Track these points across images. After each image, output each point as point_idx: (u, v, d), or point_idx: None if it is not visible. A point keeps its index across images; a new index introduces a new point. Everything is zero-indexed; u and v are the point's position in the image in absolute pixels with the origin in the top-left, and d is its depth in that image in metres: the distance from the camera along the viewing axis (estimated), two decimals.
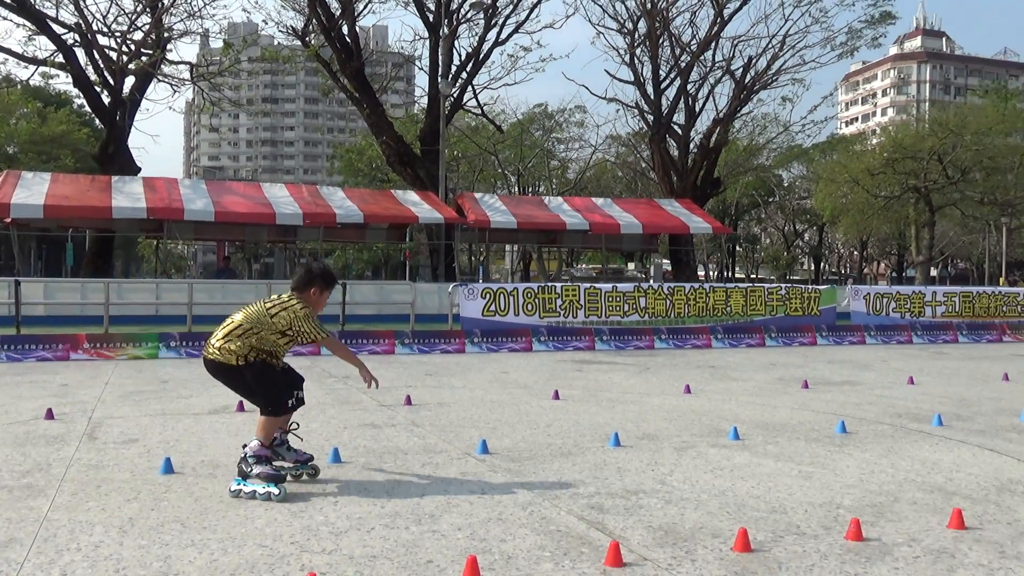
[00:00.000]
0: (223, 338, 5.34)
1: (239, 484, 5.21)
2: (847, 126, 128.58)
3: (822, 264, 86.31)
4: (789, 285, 19.73)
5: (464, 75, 29.60)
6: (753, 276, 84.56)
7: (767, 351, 16.42)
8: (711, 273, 74.13)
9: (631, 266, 58.59)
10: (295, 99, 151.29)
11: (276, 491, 5.12)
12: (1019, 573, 3.98)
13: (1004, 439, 7.23)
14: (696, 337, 17.19)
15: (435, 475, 5.75)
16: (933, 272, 72.80)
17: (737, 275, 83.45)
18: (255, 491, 5.16)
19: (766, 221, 79.86)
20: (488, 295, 16.67)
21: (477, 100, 30.94)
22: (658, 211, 28.43)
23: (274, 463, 5.46)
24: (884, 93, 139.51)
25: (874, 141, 64.35)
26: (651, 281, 29.81)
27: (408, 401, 8.86)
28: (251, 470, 5.27)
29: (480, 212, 26.17)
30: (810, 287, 19.95)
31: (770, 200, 73.32)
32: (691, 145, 33.24)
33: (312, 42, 27.96)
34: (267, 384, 5.36)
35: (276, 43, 32.72)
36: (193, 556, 4.13)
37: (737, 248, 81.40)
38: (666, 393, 9.94)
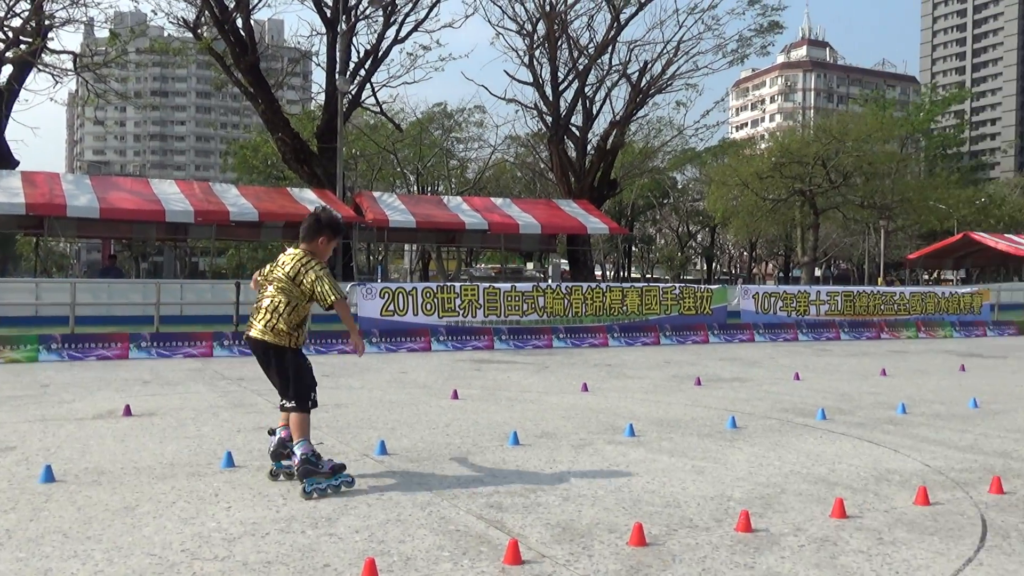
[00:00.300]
0: (270, 318, 5.34)
1: (313, 485, 5.15)
2: (738, 131, 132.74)
3: (714, 264, 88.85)
4: (683, 285, 20.22)
5: (362, 72, 29.26)
6: (648, 276, 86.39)
7: (662, 349, 16.78)
8: (608, 273, 75.36)
9: (530, 266, 59.04)
10: (186, 93, 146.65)
11: (348, 479, 5.28)
12: (895, 558, 4.19)
13: (882, 431, 7.58)
14: (593, 336, 17.44)
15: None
16: (817, 272, 75.92)
17: (633, 275, 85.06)
18: (328, 486, 5.19)
19: (661, 222, 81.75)
20: (387, 295, 16.53)
21: (376, 98, 30.63)
22: (556, 211, 28.72)
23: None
24: (772, 100, 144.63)
25: (763, 146, 66.65)
26: (549, 281, 30.11)
27: None
28: (321, 467, 5.24)
29: (378, 211, 25.93)
30: (702, 287, 20.50)
31: (665, 202, 75.10)
32: (588, 147, 33.72)
33: (204, 35, 27.16)
34: (303, 374, 5.36)
35: (166, 34, 31.65)
36: (76, 568, 3.95)
37: (633, 248, 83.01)
38: (564, 391, 10.05)
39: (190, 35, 27.67)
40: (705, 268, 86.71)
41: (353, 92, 28.87)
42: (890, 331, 21.23)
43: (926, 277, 76.96)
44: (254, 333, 5.42)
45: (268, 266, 5.58)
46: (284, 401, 5.38)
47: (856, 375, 12.33)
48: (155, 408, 8.50)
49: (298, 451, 5.27)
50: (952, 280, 74.61)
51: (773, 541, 4.40)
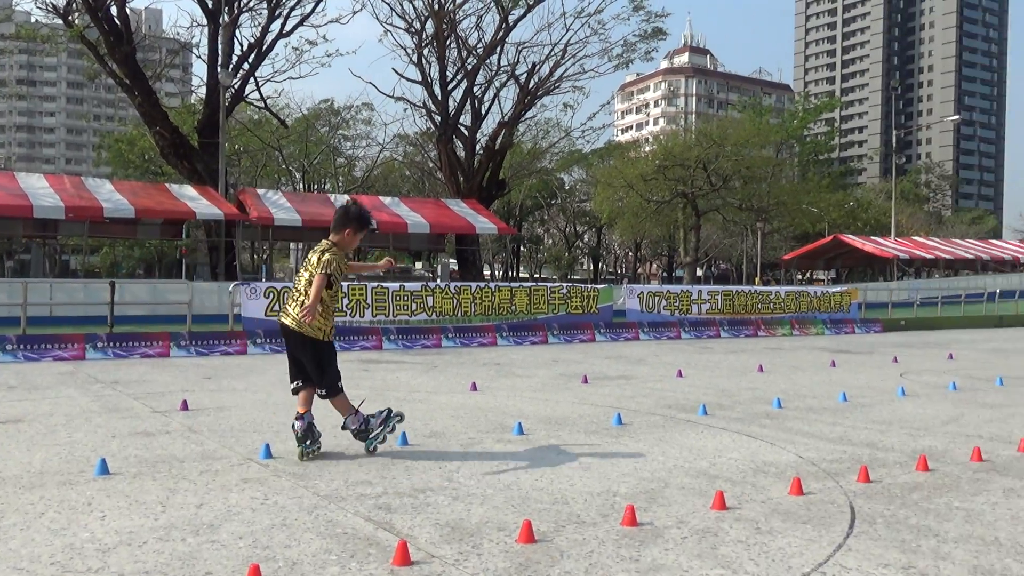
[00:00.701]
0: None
1: (371, 444, 6.20)
2: (623, 133, 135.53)
3: (600, 264, 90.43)
4: (570, 284, 20.50)
5: (246, 66, 28.51)
6: (536, 275, 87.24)
7: (550, 348, 16.97)
8: (496, 272, 75.77)
9: (418, 265, 58.76)
10: (56, 82, 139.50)
11: (398, 416, 6.30)
12: (771, 546, 4.36)
13: (759, 425, 7.88)
14: (482, 335, 17.48)
15: (214, 483, 5.49)
16: (699, 272, 78.28)
17: (521, 274, 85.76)
18: (382, 434, 6.22)
19: (549, 222, 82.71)
20: (272, 294, 16.15)
21: (260, 92, 29.91)
22: (445, 211, 28.69)
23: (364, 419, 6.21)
24: (656, 104, 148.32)
25: (647, 149, 68.29)
26: (438, 280, 30.02)
27: (184, 406, 8.41)
28: (373, 430, 6.18)
29: (263, 209, 25.32)
30: (589, 286, 20.84)
31: (552, 202, 76.00)
32: (477, 147, 33.81)
33: (76, 22, 25.93)
34: (334, 364, 6.02)
35: (34, 20, 30.05)
36: None
37: (521, 248, 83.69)
38: (453, 391, 10.05)
39: (60, 22, 26.36)
40: (592, 268, 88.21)
41: (236, 86, 28.10)
42: (767, 329, 22.08)
43: (799, 277, 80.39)
44: (288, 320, 5.97)
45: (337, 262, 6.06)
46: (320, 390, 6.07)
47: (735, 371, 12.77)
48: (22, 414, 8.05)
49: (352, 426, 6.19)
50: (824, 280, 78.11)
51: (657, 534, 4.51)
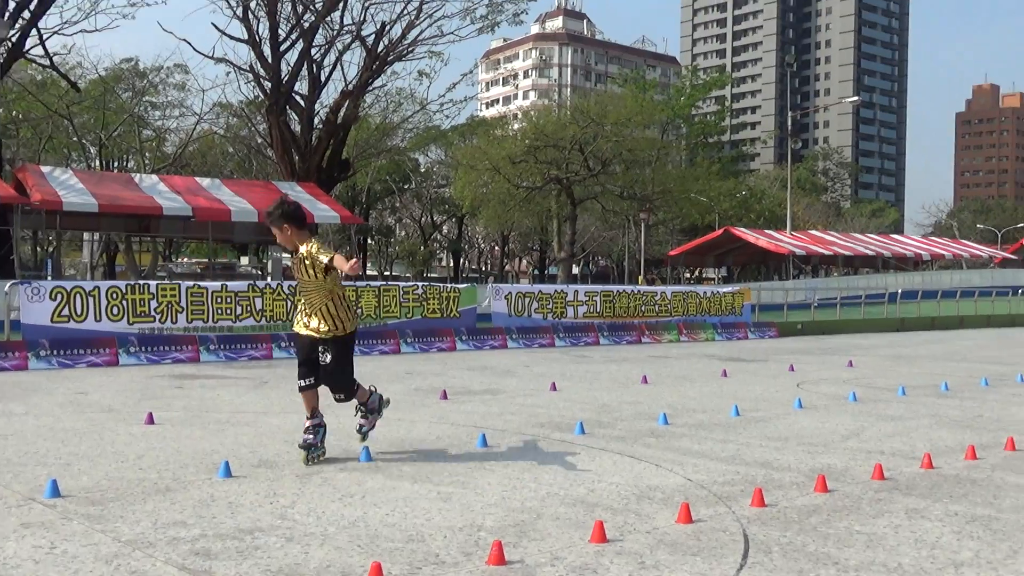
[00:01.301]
0: (334, 315, 7.03)
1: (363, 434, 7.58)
2: (488, 108, 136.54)
3: (462, 260, 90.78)
4: (426, 284, 20.48)
5: (26, 15, 27.13)
6: (387, 273, 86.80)
7: (403, 358, 16.91)
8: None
9: (245, 260, 57.42)
10: None
11: (384, 400, 7.70)
12: None
13: (643, 444, 8.09)
14: None
15: None
16: (575, 270, 79.60)
17: (369, 272, 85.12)
18: (374, 418, 7.60)
19: (401, 211, 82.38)
20: (60, 296, 15.43)
21: (44, 48, 28.53)
22: (277, 196, 28.15)
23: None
24: (526, 74, 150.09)
25: (516, 126, 68.98)
26: (269, 279, 29.44)
27: None
28: (367, 420, 7.55)
29: (49, 191, 24.17)
30: (449, 286, 20.88)
31: (406, 187, 75.73)
32: (316, 120, 33.33)
33: None
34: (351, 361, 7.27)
35: None
36: None
37: (369, 241, 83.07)
38: (288, 411, 9.88)
39: None
40: (452, 264, 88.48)
41: (13, 39, 26.69)
42: (651, 334, 22.70)
43: (687, 276, 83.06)
44: (324, 327, 7.09)
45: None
46: (339, 394, 7.30)
47: (616, 383, 13.07)
48: None
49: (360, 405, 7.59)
50: (714, 279, 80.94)
51: (529, 573, 4.55)
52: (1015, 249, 79.53)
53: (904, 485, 6.62)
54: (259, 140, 42.85)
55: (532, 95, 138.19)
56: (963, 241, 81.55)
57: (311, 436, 7.12)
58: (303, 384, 7.12)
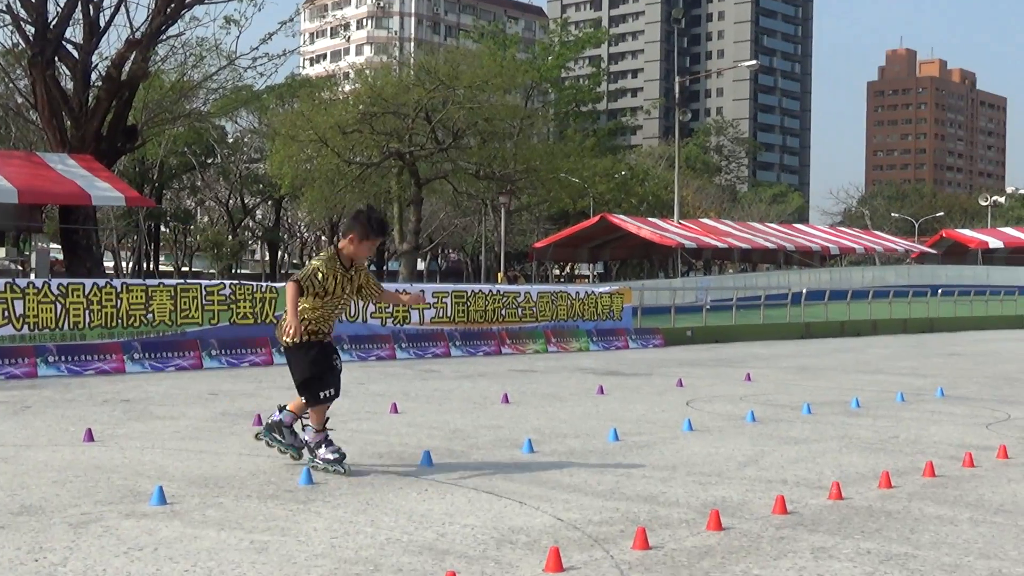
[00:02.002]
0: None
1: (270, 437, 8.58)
2: (313, 65, 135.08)
3: (281, 253, 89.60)
4: (236, 283, 20.13)
5: None
6: (186, 269, 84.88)
7: (206, 375, 16.59)
8: (125, 265, 72.84)
9: (1, 252, 55.19)
10: None
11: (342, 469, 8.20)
12: None
13: (504, 477, 8.15)
14: (102, 357, 16.81)
15: None
16: (421, 265, 79.64)
17: (163, 267, 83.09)
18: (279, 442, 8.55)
19: (204, 191, 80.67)
20: None
21: None
22: (43, 171, 27.30)
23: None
24: (360, 24, 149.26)
25: (347, 88, 68.50)
26: (32, 276, 28.39)
27: None
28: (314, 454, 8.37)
29: None
30: (264, 285, 20.58)
31: (209, 162, 74.24)
32: (94, 76, 32.31)
33: None
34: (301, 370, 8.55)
35: None
36: None
37: (163, 229, 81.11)
38: (57, 442, 9.58)
39: None
40: (268, 259, 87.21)
41: None
42: (513, 344, 22.89)
43: (557, 272, 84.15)
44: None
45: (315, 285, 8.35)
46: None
47: (471, 403, 13.12)
48: None
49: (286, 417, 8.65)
50: (588, 276, 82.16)
51: None
52: (934, 242, 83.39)
53: (810, 520, 6.86)
54: (19, 100, 41.30)
55: (367, 50, 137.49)
56: (876, 232, 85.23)
57: (334, 447, 8.36)
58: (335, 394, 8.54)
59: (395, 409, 12.18)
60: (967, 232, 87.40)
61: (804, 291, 35.88)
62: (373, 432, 10.51)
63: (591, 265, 76.92)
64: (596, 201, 72.10)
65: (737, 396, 14.35)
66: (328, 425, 8.50)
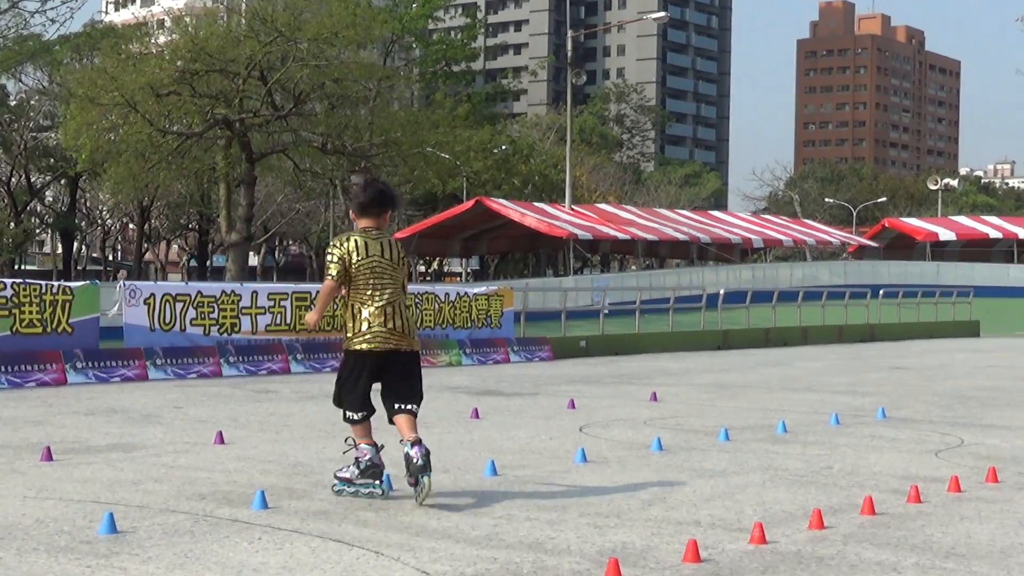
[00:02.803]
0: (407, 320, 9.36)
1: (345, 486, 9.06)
2: (118, 10, 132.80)
3: (77, 244, 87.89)
4: (19, 281, 19.72)
5: None
6: None
7: None
8: None
9: None
10: None
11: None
12: None
13: (357, 522, 8.11)
14: None
15: None
16: (254, 259, 78.88)
17: None
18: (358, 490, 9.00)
19: None
20: None
21: None
22: None
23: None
24: None
25: (162, 40, 67.40)
26: None
27: None
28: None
29: None
30: (56, 284, 20.18)
31: None
32: None
33: None
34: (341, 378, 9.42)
35: None
36: None
37: None
38: None
39: None
40: (61, 251, 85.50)
41: None
42: None
43: (422, 269, 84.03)
44: (406, 345, 9.35)
45: (345, 264, 8.99)
46: (411, 405, 9.24)
47: (316, 431, 13.05)
48: None
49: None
50: (460, 274, 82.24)
51: None
52: (875, 233, 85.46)
53: (727, 568, 6.94)
54: None
55: None
56: (807, 221, 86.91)
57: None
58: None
59: (221, 439, 12.04)
60: (914, 222, 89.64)
61: (721, 292, 36.32)
62: (193, 468, 10.37)
63: (464, 260, 77.03)
64: (470, 182, 72.17)
65: (641, 420, 14.50)
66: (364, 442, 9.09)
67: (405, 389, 9.25)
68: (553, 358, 26.14)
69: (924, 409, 16.44)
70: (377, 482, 8.98)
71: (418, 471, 8.65)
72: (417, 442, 8.75)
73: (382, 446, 9.13)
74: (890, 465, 11.04)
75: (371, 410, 9.18)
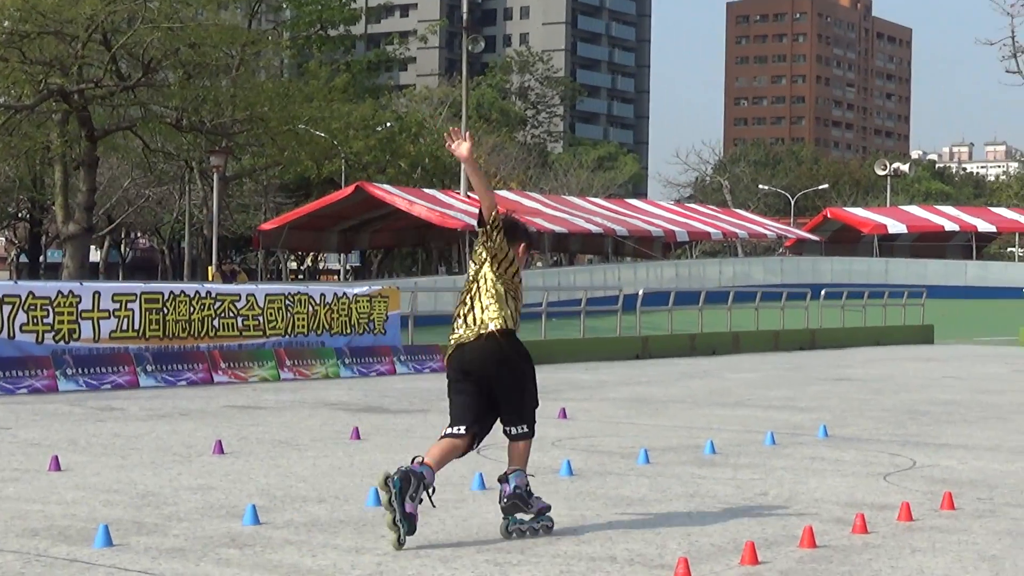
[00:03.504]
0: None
1: (515, 524, 9.02)
2: None
3: None
4: None
5: None
6: None
7: None
8: None
9: None
10: None
11: (549, 522, 9.16)
12: None
13: (216, 560, 8.06)
14: None
15: None
16: (95, 254, 78.01)
17: None
18: (529, 528, 9.04)
19: None
20: None
21: None
22: None
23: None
24: None
25: None
26: None
27: None
28: (531, 505, 9.10)
29: None
30: None
31: None
32: None
33: None
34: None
35: None
36: None
37: None
38: None
39: None
40: None
41: None
42: (231, 369, 22.64)
43: (294, 266, 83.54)
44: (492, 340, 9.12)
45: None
46: (514, 428, 9.26)
47: (170, 455, 12.95)
48: None
49: (513, 481, 9.01)
50: (339, 272, 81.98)
51: None
52: (816, 224, 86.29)
53: None
54: None
55: None
56: (739, 212, 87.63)
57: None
58: None
59: (56, 465, 11.91)
60: (860, 212, 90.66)
61: (641, 293, 36.45)
62: (24, 499, 10.25)
63: (343, 256, 76.71)
64: (350, 165, 71.90)
65: (548, 440, 14.53)
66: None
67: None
68: (443, 371, 26.10)
69: (871, 426, 16.65)
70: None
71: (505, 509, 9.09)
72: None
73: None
74: (833, 491, 11.16)
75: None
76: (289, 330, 24.61)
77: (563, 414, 17.26)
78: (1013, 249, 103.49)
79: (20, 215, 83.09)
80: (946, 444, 14.90)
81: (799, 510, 10.16)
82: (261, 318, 24.25)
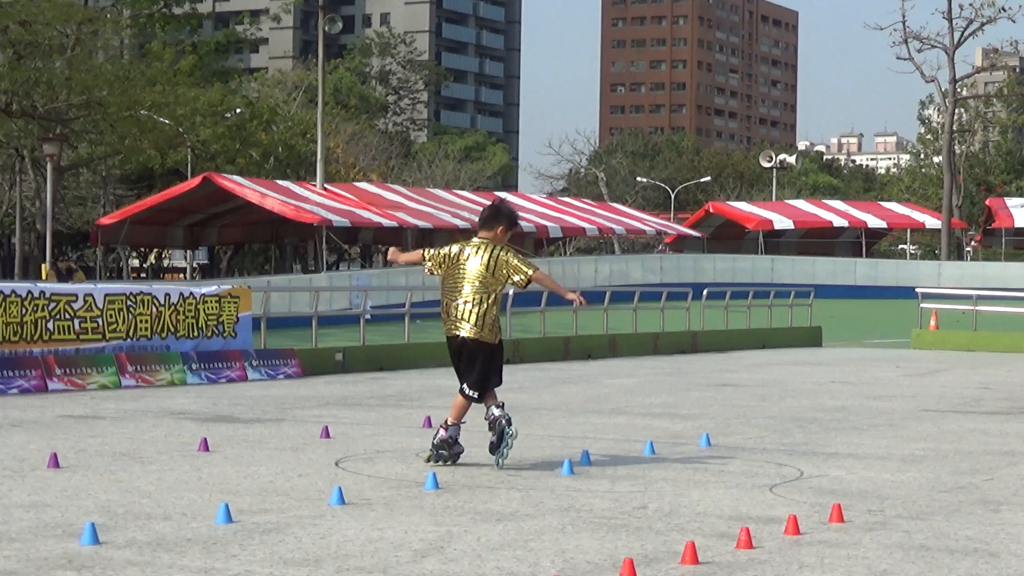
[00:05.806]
0: (481, 314, 13.35)
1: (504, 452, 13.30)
2: None
3: None
4: None
5: None
6: None
7: None
8: None
9: None
10: None
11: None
12: None
13: None
14: None
15: None
16: None
17: None
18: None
19: None
20: None
21: None
22: None
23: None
24: None
25: None
26: None
27: None
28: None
29: None
30: None
31: None
32: None
33: None
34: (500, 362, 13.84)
35: None
36: None
37: None
38: None
39: None
40: None
41: None
42: (67, 376, 22.38)
43: (136, 263, 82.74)
44: (459, 332, 13.55)
45: (440, 254, 13.55)
46: (473, 391, 13.69)
47: (0, 468, 12.77)
48: None
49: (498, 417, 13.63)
50: (185, 270, 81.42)
51: None
52: (697, 220, 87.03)
53: None
54: None
55: None
56: (615, 206, 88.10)
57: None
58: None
59: None
60: (744, 206, 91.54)
61: (511, 292, 36.53)
62: None
63: (190, 253, 76.10)
64: (197, 154, 71.37)
65: (412, 451, 14.55)
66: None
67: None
68: (302, 375, 26.02)
69: (756, 435, 16.83)
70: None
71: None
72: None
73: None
74: (716, 503, 11.26)
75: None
76: (131, 333, 24.36)
77: (428, 423, 17.25)
78: (904, 246, 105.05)
79: None
80: (835, 453, 15.10)
81: (680, 524, 10.23)
82: (100, 320, 23.97)
